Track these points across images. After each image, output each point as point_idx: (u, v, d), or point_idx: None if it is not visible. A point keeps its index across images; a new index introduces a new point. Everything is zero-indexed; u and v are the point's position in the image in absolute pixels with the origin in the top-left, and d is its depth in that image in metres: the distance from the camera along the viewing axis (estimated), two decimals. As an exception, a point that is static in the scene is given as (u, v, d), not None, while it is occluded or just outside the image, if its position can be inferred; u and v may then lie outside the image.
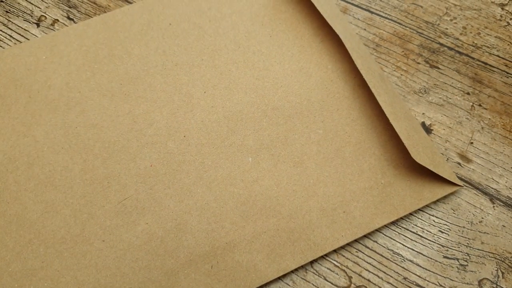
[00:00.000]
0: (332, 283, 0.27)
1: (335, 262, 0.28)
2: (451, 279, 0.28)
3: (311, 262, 0.28)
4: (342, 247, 0.28)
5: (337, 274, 0.28)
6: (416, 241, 0.29)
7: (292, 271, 0.28)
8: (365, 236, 0.29)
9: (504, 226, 0.29)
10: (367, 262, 0.28)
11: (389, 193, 0.29)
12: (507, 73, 0.34)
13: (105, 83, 0.32)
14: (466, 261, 0.28)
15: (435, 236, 0.29)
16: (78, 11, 0.36)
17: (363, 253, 0.28)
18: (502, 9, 0.37)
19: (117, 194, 0.28)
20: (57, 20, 0.36)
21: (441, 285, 0.27)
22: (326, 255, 0.28)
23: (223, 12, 0.34)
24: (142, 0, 0.35)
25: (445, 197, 0.30)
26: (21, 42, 0.34)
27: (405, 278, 0.28)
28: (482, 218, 0.29)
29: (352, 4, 0.36)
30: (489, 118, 0.32)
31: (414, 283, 0.27)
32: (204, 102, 0.31)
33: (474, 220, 0.29)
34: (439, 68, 0.34)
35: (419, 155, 0.28)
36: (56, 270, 0.26)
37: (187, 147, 0.30)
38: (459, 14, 0.36)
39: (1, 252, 0.27)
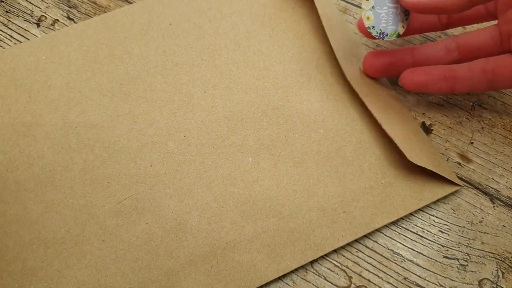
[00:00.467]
0: (332, 283, 0.27)
1: (335, 262, 0.28)
2: (451, 279, 0.28)
3: (311, 262, 0.28)
4: (342, 247, 0.28)
5: (337, 274, 0.28)
6: (416, 241, 0.29)
7: (292, 271, 0.28)
8: (365, 236, 0.29)
9: (504, 226, 0.29)
10: (367, 262, 0.28)
11: (389, 193, 0.29)
12: (507, 73, 0.34)
13: (105, 83, 0.32)
14: (466, 261, 0.28)
15: (435, 236, 0.29)
16: (78, 11, 0.36)
17: (363, 253, 0.28)
18: (502, 9, 0.36)
19: (117, 194, 0.28)
20: (57, 20, 0.36)
21: (441, 285, 0.27)
22: (326, 255, 0.28)
23: (223, 12, 0.34)
24: (142, 0, 0.35)
25: (445, 197, 0.30)
26: (21, 42, 0.34)
27: (405, 278, 0.28)
28: (482, 218, 0.29)
29: (352, 4, 0.36)
30: (489, 118, 0.32)
31: (414, 283, 0.27)
32: (204, 102, 0.31)
33: (474, 220, 0.29)
34: (439, 68, 0.34)
35: (417, 156, 0.28)
36: (56, 270, 0.26)
37: (187, 147, 0.30)
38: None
39: (1, 252, 0.27)
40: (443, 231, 0.29)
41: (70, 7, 0.36)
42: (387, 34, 0.29)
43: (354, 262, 0.28)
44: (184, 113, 0.31)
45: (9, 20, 0.36)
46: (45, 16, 0.36)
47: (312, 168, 0.29)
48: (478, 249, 0.28)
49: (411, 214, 0.29)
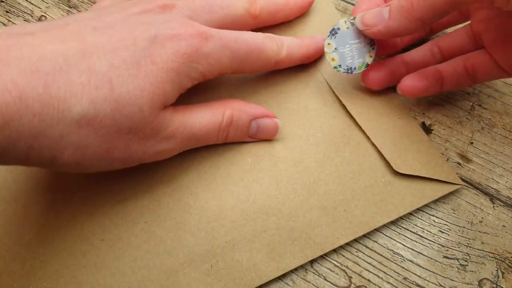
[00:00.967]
0: (332, 283, 0.27)
1: (335, 262, 0.28)
2: (451, 279, 0.28)
3: (311, 262, 0.28)
4: (342, 247, 0.28)
5: (337, 274, 0.28)
6: (416, 241, 0.29)
7: (292, 271, 0.28)
8: (365, 236, 0.28)
9: (504, 226, 0.29)
10: (367, 262, 0.28)
11: (389, 191, 0.29)
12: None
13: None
14: (466, 261, 0.28)
15: (435, 236, 0.29)
16: (78, 11, 0.36)
17: (363, 253, 0.28)
18: (502, 9, 0.37)
19: (116, 193, 0.28)
20: (57, 20, 0.36)
21: (441, 285, 0.27)
22: (326, 255, 0.28)
23: None
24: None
25: (445, 197, 0.30)
26: (21, 42, 0.34)
27: (405, 278, 0.28)
28: (482, 218, 0.29)
29: (352, 4, 0.36)
30: (489, 118, 0.32)
31: (414, 283, 0.27)
32: None
33: (474, 220, 0.29)
34: (439, 69, 0.35)
35: (406, 164, 0.29)
36: (55, 269, 0.26)
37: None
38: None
39: (0, 251, 0.27)
40: (443, 231, 0.29)
41: (70, 7, 0.36)
42: (355, 68, 0.30)
43: (354, 262, 0.28)
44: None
45: (9, 20, 0.36)
46: (45, 16, 0.36)
47: (312, 167, 0.29)
48: (478, 249, 0.28)
49: (411, 214, 0.29)
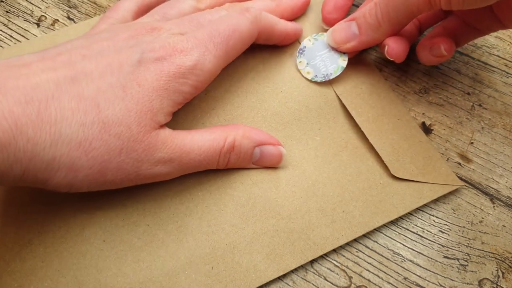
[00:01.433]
0: (332, 283, 0.27)
1: (335, 262, 0.28)
2: (451, 279, 0.28)
3: (311, 262, 0.28)
4: (342, 247, 0.28)
5: (337, 274, 0.28)
6: (416, 241, 0.29)
7: (292, 271, 0.28)
8: (365, 236, 0.29)
9: (504, 226, 0.29)
10: (368, 262, 0.28)
11: (388, 192, 0.29)
12: (507, 73, 0.34)
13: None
14: (466, 261, 0.28)
15: (435, 236, 0.29)
16: (78, 11, 0.36)
17: (363, 253, 0.28)
18: (502, 9, 0.37)
19: (117, 195, 0.28)
20: (57, 20, 0.36)
21: (441, 285, 0.27)
22: (326, 255, 0.28)
23: None
24: (142, 0, 0.35)
25: (445, 197, 0.30)
26: (21, 42, 0.34)
27: (405, 278, 0.28)
28: (483, 218, 0.29)
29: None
30: (489, 118, 0.32)
31: (415, 283, 0.27)
32: (205, 104, 0.31)
33: (474, 220, 0.29)
34: (439, 68, 0.35)
35: (403, 168, 0.29)
36: (56, 269, 0.26)
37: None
38: (459, 14, 0.36)
39: (0, 251, 0.27)
40: (443, 231, 0.29)
41: (70, 7, 0.36)
42: (331, 73, 0.31)
43: (354, 262, 0.28)
44: (184, 113, 0.31)
45: (9, 20, 0.36)
46: (45, 16, 0.36)
47: (310, 171, 0.29)
48: (478, 249, 0.28)
49: (411, 214, 0.29)
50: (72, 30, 0.34)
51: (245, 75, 0.32)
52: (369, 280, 0.28)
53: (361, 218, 0.28)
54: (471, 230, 0.29)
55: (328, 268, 0.28)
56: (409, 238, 0.29)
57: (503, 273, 0.28)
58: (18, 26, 0.35)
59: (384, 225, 0.29)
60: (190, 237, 0.27)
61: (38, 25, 0.35)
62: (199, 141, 0.26)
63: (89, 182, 0.24)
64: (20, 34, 0.35)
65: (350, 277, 0.28)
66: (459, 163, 0.31)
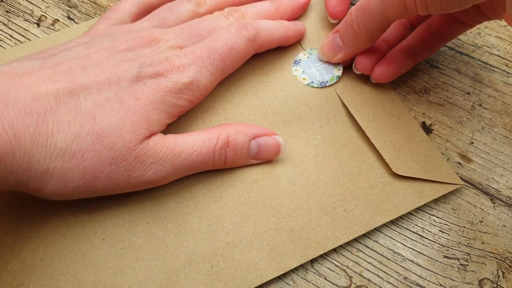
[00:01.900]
0: (332, 283, 0.27)
1: (335, 262, 0.28)
2: (451, 279, 0.28)
3: (312, 262, 0.28)
4: (343, 247, 0.28)
5: (337, 274, 0.28)
6: (416, 241, 0.29)
7: (292, 271, 0.28)
8: (365, 235, 0.29)
9: (504, 226, 0.29)
10: (368, 262, 0.28)
11: (389, 191, 0.29)
12: (507, 72, 0.34)
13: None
14: (466, 261, 0.28)
15: (435, 236, 0.29)
16: (78, 11, 0.36)
17: (363, 253, 0.28)
18: (502, 9, 0.37)
19: (116, 194, 0.28)
20: (58, 20, 0.36)
21: (441, 285, 0.27)
22: (326, 254, 0.28)
23: None
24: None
25: (445, 197, 0.30)
26: (21, 42, 0.34)
27: (405, 278, 0.28)
28: (483, 218, 0.29)
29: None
30: (490, 118, 0.32)
31: (415, 283, 0.27)
32: (205, 103, 0.31)
33: (474, 220, 0.29)
34: (439, 68, 0.35)
35: (405, 166, 0.29)
36: (56, 268, 0.26)
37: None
38: (459, 14, 0.36)
39: (0, 250, 0.27)
40: (444, 231, 0.29)
41: (70, 7, 0.36)
42: (327, 81, 0.32)
43: (354, 262, 0.28)
44: (184, 113, 0.31)
45: (9, 20, 0.36)
46: (45, 16, 0.36)
47: (311, 169, 0.29)
48: (479, 249, 0.28)
49: (411, 213, 0.29)
50: (73, 31, 0.34)
51: (245, 75, 0.32)
52: (369, 280, 0.27)
53: (362, 217, 0.28)
54: (471, 230, 0.29)
55: (328, 268, 0.28)
56: (409, 238, 0.29)
57: (503, 273, 0.28)
58: (18, 26, 0.35)
59: (384, 225, 0.29)
60: (190, 235, 0.27)
61: (38, 25, 0.36)
62: (190, 140, 0.26)
63: (79, 191, 0.24)
64: (20, 34, 0.35)
65: (351, 277, 0.28)
66: (459, 163, 0.31)
